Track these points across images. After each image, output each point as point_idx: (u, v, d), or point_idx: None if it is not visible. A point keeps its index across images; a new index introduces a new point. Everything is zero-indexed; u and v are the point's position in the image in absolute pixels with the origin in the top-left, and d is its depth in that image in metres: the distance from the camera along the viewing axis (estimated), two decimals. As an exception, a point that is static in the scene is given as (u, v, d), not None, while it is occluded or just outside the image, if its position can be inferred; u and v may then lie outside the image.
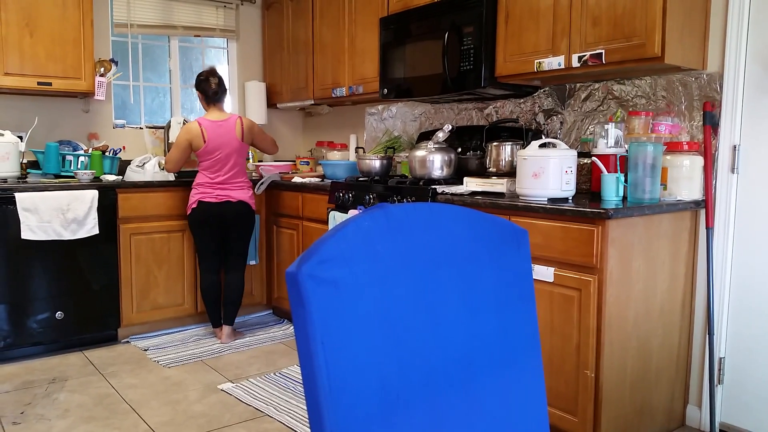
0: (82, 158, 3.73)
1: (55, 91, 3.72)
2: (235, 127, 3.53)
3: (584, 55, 2.55)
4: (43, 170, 3.62)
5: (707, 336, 2.52)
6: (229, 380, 3.08)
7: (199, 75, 3.57)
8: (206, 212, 3.51)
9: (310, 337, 0.76)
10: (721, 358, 2.55)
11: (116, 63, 4.05)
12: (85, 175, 3.55)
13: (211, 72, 3.55)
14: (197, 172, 3.61)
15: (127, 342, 3.67)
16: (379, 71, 3.55)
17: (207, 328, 3.90)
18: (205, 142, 3.45)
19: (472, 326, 1.06)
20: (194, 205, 3.52)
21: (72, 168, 3.71)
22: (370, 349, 0.86)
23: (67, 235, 3.36)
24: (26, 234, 3.24)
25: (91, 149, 3.85)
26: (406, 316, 0.94)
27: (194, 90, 3.63)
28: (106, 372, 3.19)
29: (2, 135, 3.43)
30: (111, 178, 3.62)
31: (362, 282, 0.87)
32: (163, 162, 3.71)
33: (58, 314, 3.41)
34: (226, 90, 3.61)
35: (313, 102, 4.32)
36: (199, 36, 4.57)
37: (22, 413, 2.69)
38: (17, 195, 3.22)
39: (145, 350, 3.51)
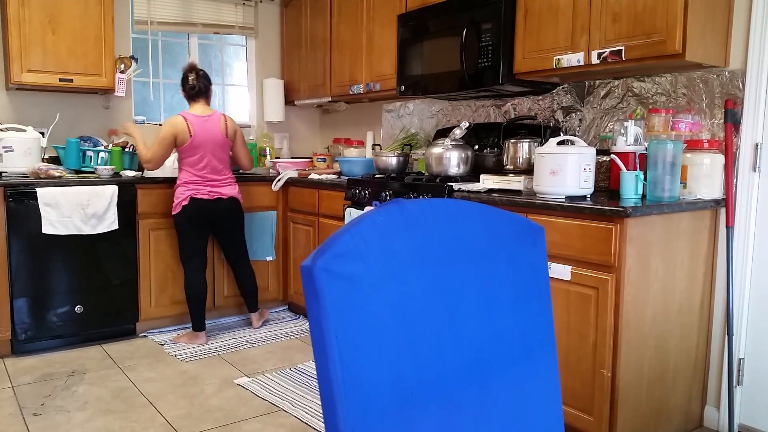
0: (102, 154, 3.78)
1: (77, 88, 3.77)
2: (220, 122, 3.49)
3: (604, 52, 2.53)
4: (63, 166, 3.67)
5: (726, 336, 2.49)
6: (246, 375, 3.10)
7: (183, 71, 3.52)
8: (199, 209, 3.45)
9: (325, 331, 0.77)
10: (740, 359, 2.51)
11: (136, 60, 4.09)
12: (105, 170, 3.59)
13: (190, 68, 3.49)
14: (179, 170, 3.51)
15: (145, 336, 3.71)
16: (397, 68, 3.54)
17: (224, 322, 3.93)
18: (191, 136, 3.38)
19: (488, 323, 1.05)
20: (185, 203, 3.43)
21: (92, 164, 3.75)
22: (384, 344, 0.86)
23: (87, 230, 3.40)
24: (47, 229, 3.29)
25: (111, 145, 3.89)
26: (421, 312, 0.93)
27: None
28: (124, 365, 3.23)
29: (24, 131, 3.48)
30: (131, 174, 3.66)
31: (377, 277, 0.87)
32: (143, 161, 3.50)
33: (78, 308, 3.46)
34: (208, 85, 3.51)
35: (330, 99, 4.33)
36: (218, 33, 4.60)
37: (42, 405, 2.73)
38: (38, 190, 3.26)
39: (163, 344, 3.54)
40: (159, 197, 3.67)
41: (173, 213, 3.50)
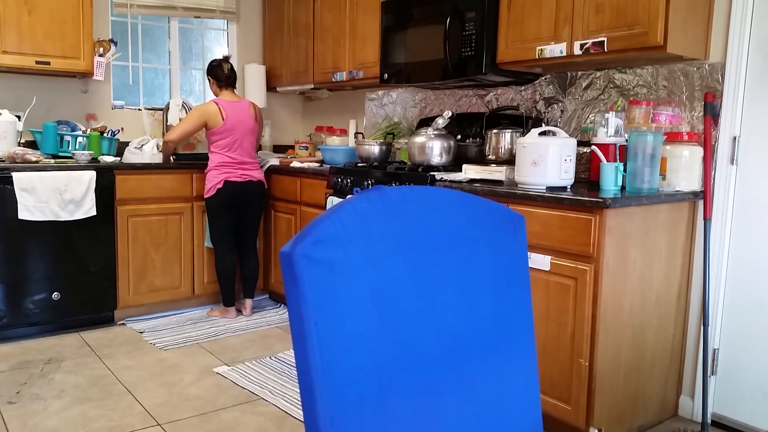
0: (80, 139, 3.72)
1: (54, 71, 3.70)
2: (249, 108, 3.71)
3: (586, 43, 2.54)
4: (41, 150, 3.60)
5: (702, 327, 2.53)
6: (225, 363, 3.09)
7: (212, 62, 3.75)
8: (232, 192, 3.63)
9: (304, 318, 0.76)
10: (715, 350, 2.55)
11: (115, 43, 4.02)
12: (83, 155, 3.53)
13: (225, 59, 3.74)
14: (206, 154, 3.72)
15: (123, 324, 3.67)
16: (380, 56, 3.52)
17: (203, 311, 3.91)
18: (223, 119, 3.56)
19: (468, 310, 1.05)
20: (220, 186, 3.60)
21: (70, 149, 3.69)
22: (364, 330, 0.85)
23: (65, 216, 3.35)
24: (23, 214, 3.23)
25: (89, 130, 3.83)
26: (401, 299, 0.93)
27: (206, 76, 3.79)
28: (102, 353, 3.19)
29: (0, 114, 3.41)
30: (109, 159, 3.61)
31: (357, 263, 0.86)
32: (164, 139, 3.70)
33: (55, 295, 3.41)
34: (236, 76, 3.78)
35: (312, 86, 4.30)
36: (199, 17, 4.54)
37: (17, 393, 2.69)
38: (15, 174, 3.20)
39: (141, 332, 3.51)
40: (138, 183, 3.62)
41: (206, 196, 3.65)
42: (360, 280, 0.86)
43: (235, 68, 4.67)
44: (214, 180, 3.61)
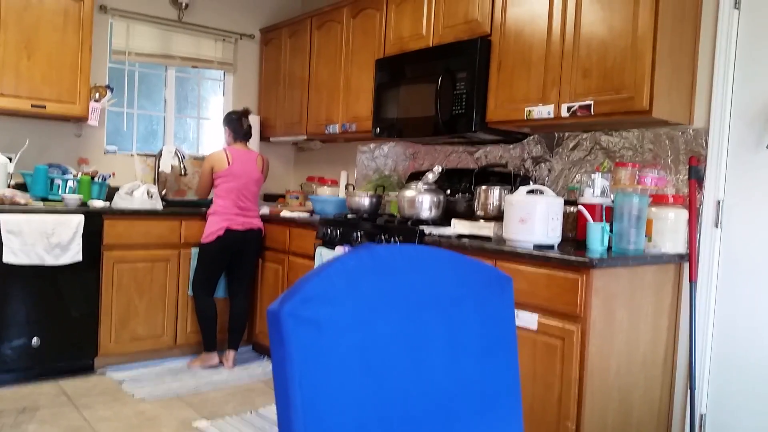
0: (70, 182, 3.71)
1: (49, 115, 3.72)
2: (257, 160, 3.80)
3: (573, 106, 2.60)
4: (30, 193, 3.59)
5: (689, 391, 2.51)
6: (205, 417, 3.01)
7: (231, 114, 3.86)
8: (231, 240, 3.66)
9: (289, 378, 0.75)
10: (702, 415, 2.53)
11: (111, 89, 4.07)
12: (73, 199, 3.52)
13: (245, 113, 3.84)
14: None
15: (103, 373, 3.59)
16: (373, 111, 3.59)
17: (185, 361, 3.83)
18: (229, 164, 3.65)
19: (454, 370, 1.05)
20: (220, 233, 3.62)
21: (60, 192, 3.68)
22: (349, 391, 0.84)
23: (50, 260, 3.32)
24: (8, 257, 3.19)
25: (80, 174, 3.83)
26: (387, 358, 0.93)
27: (224, 126, 3.85)
28: (80, 403, 3.11)
29: (-9, 156, 3.41)
30: (99, 204, 3.60)
31: (345, 322, 0.86)
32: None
33: (35, 341, 3.34)
34: (252, 133, 3.90)
35: (306, 137, 4.35)
36: (196, 67, 4.62)
37: (-12, 442, 2.61)
38: (2, 216, 3.18)
39: (121, 382, 3.43)
40: (126, 228, 3.61)
41: (204, 241, 3.66)
42: (347, 339, 0.85)
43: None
44: (215, 226, 3.63)
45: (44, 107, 3.62)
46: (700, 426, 2.52)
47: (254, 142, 4.63)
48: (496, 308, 1.14)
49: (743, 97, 2.46)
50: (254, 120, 4.65)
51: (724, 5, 2.48)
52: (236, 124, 3.78)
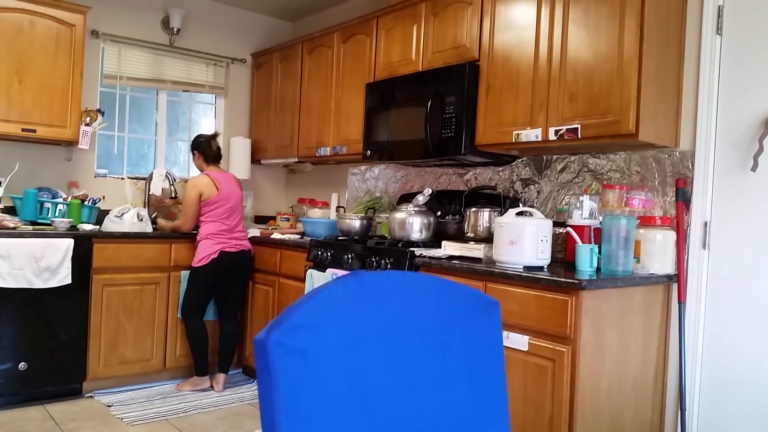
0: (60, 206, 3.70)
1: (39, 138, 3.72)
2: (235, 180, 3.83)
3: (561, 129, 2.64)
4: (19, 216, 3.58)
5: (679, 411, 2.51)
6: (194, 441, 2.98)
7: (199, 137, 3.87)
8: (225, 262, 3.66)
9: (275, 408, 0.76)
10: (693, 435, 2.53)
11: (102, 113, 4.08)
12: (62, 223, 3.51)
13: (213, 136, 3.86)
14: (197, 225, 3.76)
15: (91, 396, 3.55)
16: (363, 133, 3.61)
17: (174, 385, 3.80)
18: (218, 189, 3.66)
19: (442, 397, 1.05)
20: (215, 256, 3.62)
21: (49, 215, 3.67)
22: (336, 420, 0.84)
23: (39, 284, 3.29)
24: (-4, 281, 3.17)
25: (70, 197, 3.83)
26: (376, 386, 0.93)
27: (191, 150, 3.89)
28: (67, 428, 3.07)
29: (-19, 180, 3.41)
30: (88, 227, 3.59)
31: (332, 350, 0.87)
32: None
33: (22, 365, 3.30)
34: (221, 154, 3.91)
35: (297, 160, 4.37)
36: (187, 91, 4.64)
37: (-27, 470, 2.56)
38: (-10, 241, 3.16)
39: (109, 406, 3.39)
40: (115, 252, 3.59)
41: (197, 265, 3.64)
42: (334, 367, 0.86)
43: (222, 141, 4.77)
44: (208, 250, 3.61)
45: (35, 131, 3.62)
46: (692, 448, 2.52)
47: (245, 164, 4.65)
48: (483, 334, 1.15)
49: (728, 119, 2.50)
50: (245, 143, 4.67)
51: (707, 31, 2.53)
52: (205, 147, 3.80)
